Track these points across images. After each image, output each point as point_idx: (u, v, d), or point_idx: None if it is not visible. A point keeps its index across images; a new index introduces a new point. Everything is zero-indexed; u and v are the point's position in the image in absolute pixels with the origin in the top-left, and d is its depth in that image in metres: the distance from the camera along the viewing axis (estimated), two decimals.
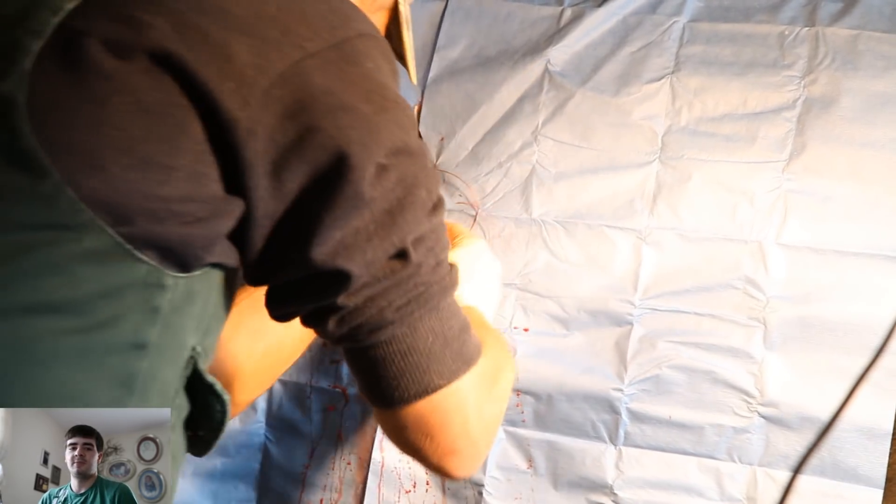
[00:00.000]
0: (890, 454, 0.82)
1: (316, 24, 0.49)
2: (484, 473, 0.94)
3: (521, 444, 0.93)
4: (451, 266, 0.57)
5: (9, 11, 0.46)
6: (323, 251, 0.50)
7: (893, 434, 0.82)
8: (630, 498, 0.89)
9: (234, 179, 0.48)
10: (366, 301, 0.53)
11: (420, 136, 0.57)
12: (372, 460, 0.96)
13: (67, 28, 0.44)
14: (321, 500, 1.00)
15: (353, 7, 0.53)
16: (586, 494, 0.91)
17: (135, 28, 0.44)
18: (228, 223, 0.49)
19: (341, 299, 0.52)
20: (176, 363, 0.53)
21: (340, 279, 0.51)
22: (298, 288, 0.53)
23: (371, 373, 0.56)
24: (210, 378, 0.56)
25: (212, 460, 1.02)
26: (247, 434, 1.02)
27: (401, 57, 0.71)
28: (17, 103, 0.43)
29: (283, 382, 1.01)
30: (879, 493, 0.81)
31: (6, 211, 0.44)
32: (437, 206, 0.55)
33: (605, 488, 0.90)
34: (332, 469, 1.00)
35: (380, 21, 0.69)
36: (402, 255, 0.52)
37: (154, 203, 0.46)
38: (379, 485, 0.97)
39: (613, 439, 0.90)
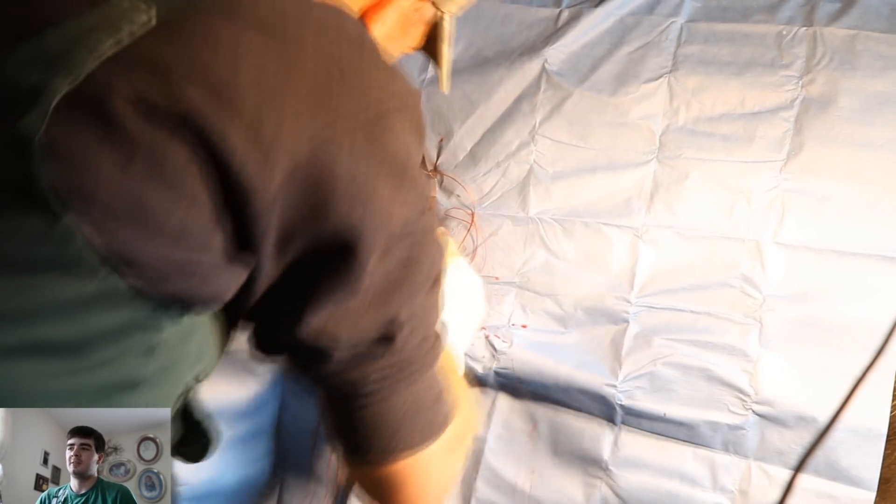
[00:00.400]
0: (887, 455, 0.82)
1: (354, 98, 0.48)
2: (488, 430, 0.95)
3: (526, 410, 0.94)
4: (436, 337, 0.58)
5: (51, 49, 0.45)
6: (309, 329, 0.50)
7: (891, 436, 0.82)
8: (623, 476, 0.90)
9: (245, 244, 0.48)
10: (344, 371, 0.54)
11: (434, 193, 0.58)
12: None
13: (101, 76, 0.43)
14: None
15: (393, 72, 0.51)
16: (583, 466, 0.92)
17: (169, 89, 0.43)
18: (234, 284, 0.49)
19: (320, 366, 0.53)
20: (169, 397, 0.54)
21: (321, 354, 0.52)
22: (282, 343, 0.54)
23: (340, 422, 0.57)
24: (199, 414, 0.57)
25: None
26: (263, 390, 1.02)
27: (437, 63, 0.72)
28: (35, 142, 0.43)
29: None
30: (872, 496, 0.81)
31: (15, 250, 0.44)
32: (437, 280, 0.56)
33: (600, 464, 0.90)
34: None
35: (420, 33, 0.69)
36: (387, 336, 0.53)
37: (164, 262, 0.46)
38: None
39: (613, 420, 0.90)
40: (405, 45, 0.70)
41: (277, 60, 0.46)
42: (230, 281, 0.49)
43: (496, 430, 0.95)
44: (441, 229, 0.95)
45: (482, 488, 0.96)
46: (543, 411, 0.94)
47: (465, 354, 0.94)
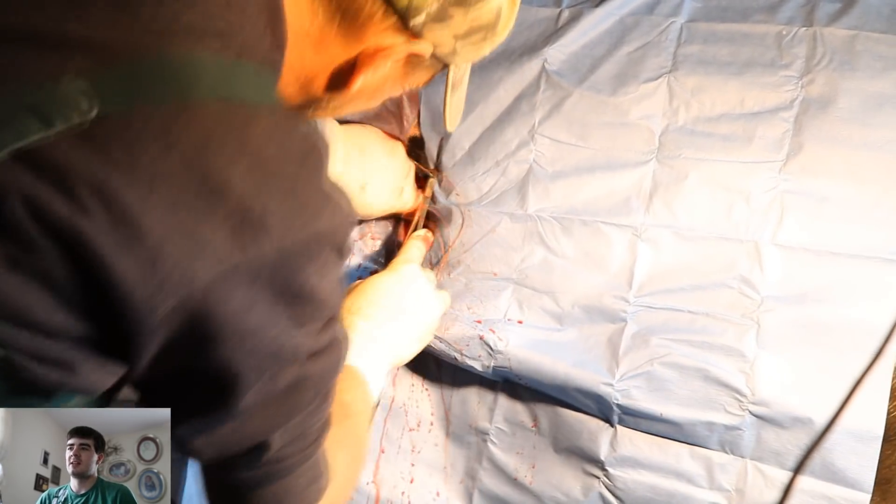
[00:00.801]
0: (888, 455, 0.82)
1: (266, 239, 0.48)
2: (490, 423, 0.96)
3: (528, 404, 0.95)
4: (321, 429, 0.60)
5: None
6: (175, 438, 0.53)
7: (890, 437, 0.82)
8: (620, 476, 0.90)
9: (123, 355, 0.49)
10: (211, 469, 0.57)
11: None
12: (382, 394, 0.98)
13: (8, 169, 0.44)
14: None
15: (327, 200, 0.51)
16: (581, 464, 0.92)
17: (69, 205, 0.44)
18: (107, 383, 0.50)
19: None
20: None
21: (189, 454, 0.55)
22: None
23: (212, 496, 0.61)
24: None
25: None
26: None
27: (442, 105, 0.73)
28: None
29: None
30: (867, 498, 0.81)
31: None
32: (327, 394, 0.58)
33: (597, 463, 0.91)
34: None
35: (426, 76, 0.69)
36: (260, 447, 0.55)
37: (37, 352, 0.47)
38: (385, 419, 0.98)
39: (610, 420, 0.90)
40: (408, 85, 0.70)
41: (195, 197, 0.46)
42: (103, 379, 0.50)
43: (498, 424, 0.96)
44: (425, 232, 0.95)
45: (485, 480, 0.97)
46: (544, 407, 0.94)
47: (458, 354, 0.94)
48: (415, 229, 0.97)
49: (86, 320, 0.47)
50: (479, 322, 0.93)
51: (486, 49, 0.67)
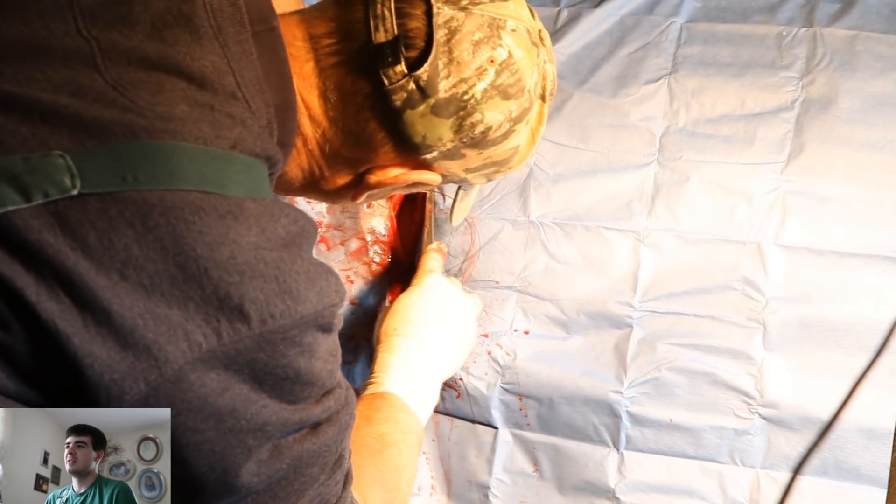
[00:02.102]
0: (892, 453, 0.82)
1: (250, 311, 0.48)
2: (490, 476, 0.94)
3: (528, 448, 0.93)
4: (339, 500, 0.59)
5: None
6: None
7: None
8: (633, 502, 0.89)
9: None
10: None
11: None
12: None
13: None
14: None
15: (310, 279, 0.51)
16: (590, 499, 0.91)
17: (36, 285, 0.44)
18: None
19: None
20: None
21: None
22: None
23: None
24: None
25: None
26: None
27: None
28: None
29: None
30: (883, 493, 0.80)
31: None
32: (338, 464, 0.58)
33: (608, 493, 0.90)
34: None
35: (435, 185, 0.70)
36: None
37: None
38: None
39: (616, 443, 0.89)
40: (416, 190, 0.73)
41: (170, 284, 0.46)
42: None
43: (498, 475, 0.94)
44: (438, 244, 0.95)
45: None
46: (544, 448, 0.92)
47: (464, 373, 0.93)
48: (429, 243, 0.96)
49: (45, 395, 0.47)
50: (486, 336, 0.93)
51: (499, 177, 0.68)
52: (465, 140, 0.61)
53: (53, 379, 0.46)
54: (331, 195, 0.70)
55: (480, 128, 0.61)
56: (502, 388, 0.92)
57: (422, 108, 0.59)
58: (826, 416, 0.82)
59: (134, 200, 0.46)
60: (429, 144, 0.61)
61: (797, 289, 0.86)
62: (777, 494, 0.84)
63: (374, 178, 0.64)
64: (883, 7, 0.89)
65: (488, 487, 0.95)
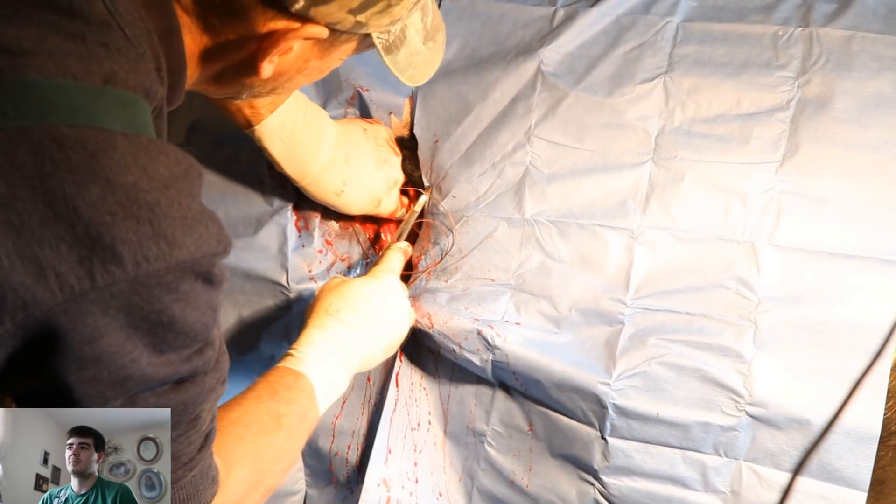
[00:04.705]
0: (881, 456, 0.82)
1: (124, 252, 0.47)
2: (487, 425, 0.96)
3: (524, 408, 0.95)
4: (190, 463, 0.58)
5: None
6: None
7: (886, 436, 0.82)
8: (614, 483, 0.90)
9: None
10: None
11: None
12: (387, 397, 0.98)
13: None
14: (348, 447, 1.03)
15: (188, 224, 0.50)
16: (577, 471, 0.93)
17: None
18: None
19: None
20: None
21: None
22: None
23: None
24: None
25: None
26: None
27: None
28: None
29: None
30: (863, 497, 0.81)
31: None
32: (195, 424, 0.57)
33: (591, 472, 0.91)
34: (362, 414, 1.03)
35: (350, 46, 0.67)
36: None
37: None
38: (391, 419, 0.99)
39: (602, 430, 0.90)
40: (340, 56, 0.69)
41: (39, 223, 0.46)
42: None
43: (494, 426, 0.96)
44: (406, 245, 0.96)
45: (483, 480, 0.98)
46: (539, 412, 0.94)
47: (457, 347, 0.95)
48: (398, 240, 0.98)
49: None
50: (477, 320, 0.94)
51: (401, 11, 0.64)
52: None
53: None
54: (238, 75, 0.67)
55: None
56: (494, 363, 0.93)
57: None
58: (813, 417, 0.83)
59: (0, 139, 0.46)
60: None
61: (790, 289, 0.86)
62: (758, 488, 0.85)
63: (266, 44, 0.62)
64: (879, 7, 0.88)
65: (484, 435, 0.97)
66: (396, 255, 0.94)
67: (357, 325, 0.84)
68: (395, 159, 1.00)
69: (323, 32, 0.62)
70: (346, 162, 0.94)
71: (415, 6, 0.66)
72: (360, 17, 0.62)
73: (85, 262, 0.46)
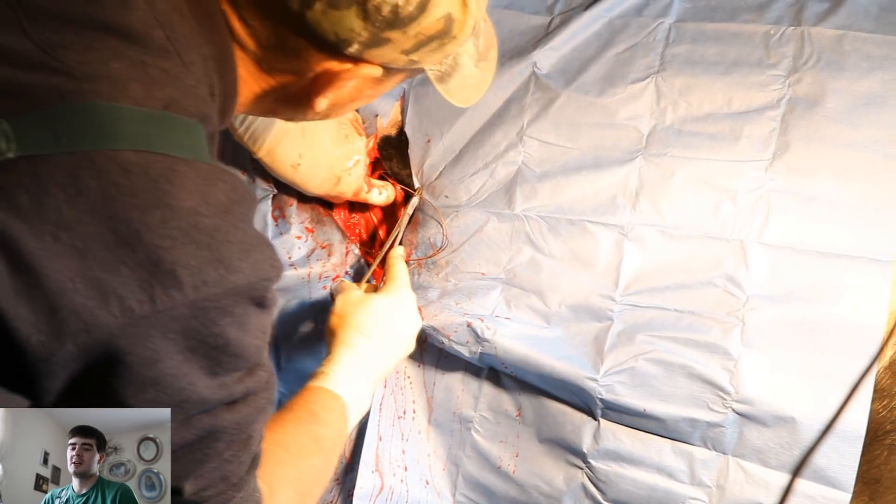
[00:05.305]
0: (876, 455, 0.82)
1: (184, 276, 0.48)
2: (474, 411, 0.98)
3: (513, 393, 0.97)
4: (239, 483, 0.59)
5: None
6: None
7: (879, 437, 0.82)
8: (602, 468, 0.92)
9: (27, 394, 0.50)
10: None
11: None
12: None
13: None
14: None
15: (245, 249, 0.51)
16: (565, 455, 0.94)
17: None
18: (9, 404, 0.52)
19: None
20: None
21: None
22: None
23: None
24: None
25: None
26: None
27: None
28: None
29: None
30: (847, 497, 0.81)
31: None
32: (245, 445, 0.58)
33: (580, 455, 0.93)
34: None
35: (400, 78, 0.69)
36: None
37: None
38: (380, 407, 1.00)
39: (593, 414, 0.91)
40: (388, 87, 0.70)
41: (102, 246, 0.46)
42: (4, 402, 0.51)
43: (482, 412, 0.98)
44: (403, 251, 0.97)
45: (468, 467, 0.99)
46: (528, 397, 0.96)
47: (446, 339, 0.96)
48: (392, 246, 0.98)
49: None
50: (467, 314, 0.95)
51: (453, 48, 0.65)
52: (378, 24, 0.58)
53: None
54: (292, 107, 0.69)
55: (386, 7, 0.57)
56: (483, 355, 0.94)
57: (318, 5, 0.57)
58: (800, 415, 0.83)
59: (65, 163, 0.47)
60: (345, 39, 0.59)
61: (778, 287, 0.86)
62: (744, 483, 0.86)
63: (320, 82, 0.63)
64: (871, 6, 0.88)
65: (471, 422, 0.98)
66: (401, 264, 0.94)
67: (381, 344, 0.86)
68: (358, 139, 0.99)
69: (377, 71, 0.63)
70: (302, 134, 0.93)
71: (468, 40, 0.66)
72: (414, 56, 0.63)
73: (146, 286, 0.47)
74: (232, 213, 0.51)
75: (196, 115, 0.54)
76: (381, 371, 0.87)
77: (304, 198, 1.03)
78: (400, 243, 1.00)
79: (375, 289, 0.93)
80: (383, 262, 0.98)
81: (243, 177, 1.02)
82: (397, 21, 0.58)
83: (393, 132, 1.03)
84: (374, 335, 0.85)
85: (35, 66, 0.48)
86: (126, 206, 0.47)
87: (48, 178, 0.46)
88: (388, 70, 0.64)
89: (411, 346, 0.92)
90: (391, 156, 1.03)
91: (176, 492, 0.56)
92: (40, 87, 0.48)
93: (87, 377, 0.49)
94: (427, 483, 1.01)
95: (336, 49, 0.60)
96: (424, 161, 1.00)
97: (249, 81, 0.64)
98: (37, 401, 0.51)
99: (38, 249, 0.46)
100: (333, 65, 0.62)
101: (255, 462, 0.61)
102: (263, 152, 0.93)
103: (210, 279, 0.49)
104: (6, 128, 0.46)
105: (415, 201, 1.00)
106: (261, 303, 0.54)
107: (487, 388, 0.98)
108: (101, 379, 0.49)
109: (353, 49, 0.60)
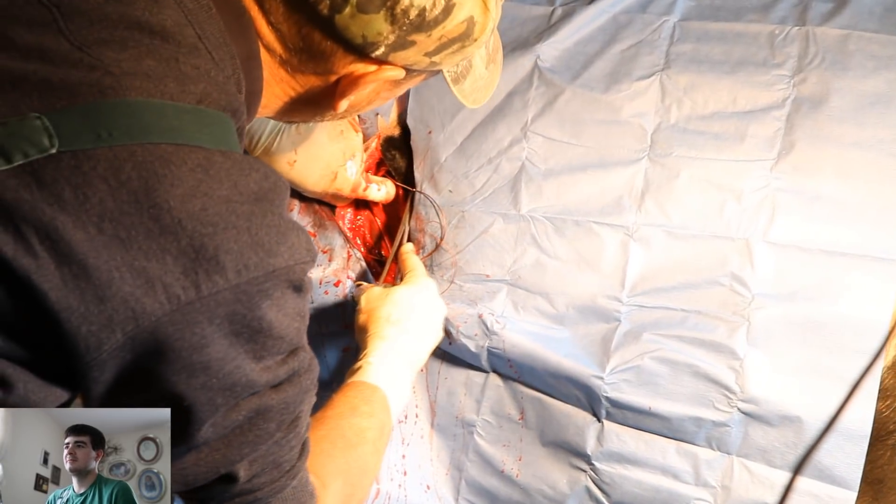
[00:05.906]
0: (880, 455, 0.82)
1: (226, 261, 0.49)
2: (477, 415, 0.97)
3: (516, 396, 0.96)
4: (293, 470, 0.60)
5: None
6: None
7: (883, 437, 0.82)
8: (606, 470, 0.91)
9: (71, 385, 0.51)
10: (184, 493, 0.58)
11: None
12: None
13: None
14: None
15: (282, 233, 0.52)
16: (568, 458, 0.94)
17: (14, 243, 0.46)
18: (49, 405, 0.52)
19: None
20: None
21: None
22: None
23: None
24: None
25: None
26: None
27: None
28: None
29: None
30: (853, 496, 0.81)
31: None
32: (295, 420, 0.58)
33: (584, 457, 0.92)
34: None
35: (419, 78, 0.70)
36: (229, 477, 0.56)
37: None
38: None
39: (597, 415, 0.91)
40: (406, 88, 0.72)
41: (146, 236, 0.47)
42: (45, 402, 0.52)
43: (485, 416, 0.97)
44: (412, 246, 0.97)
45: (471, 471, 0.98)
46: (531, 400, 0.95)
47: (454, 330, 0.95)
48: (401, 244, 0.98)
49: (27, 348, 0.49)
50: (478, 307, 0.95)
51: (472, 50, 0.67)
52: (405, 28, 0.60)
53: (37, 333, 0.48)
54: (313, 109, 0.71)
55: (414, 11, 0.59)
56: (490, 349, 0.94)
57: (348, 9, 0.59)
58: (805, 414, 0.83)
59: (106, 156, 0.47)
60: (372, 42, 0.61)
61: (784, 286, 0.86)
62: (749, 484, 0.86)
63: (344, 84, 0.65)
64: (875, 6, 0.88)
65: (474, 426, 0.98)
66: (415, 257, 0.96)
67: (415, 333, 0.87)
68: (354, 134, 0.99)
69: (400, 74, 0.65)
70: (297, 131, 0.94)
71: (486, 42, 0.68)
72: (436, 58, 0.65)
73: (190, 273, 0.48)
74: (266, 199, 0.53)
75: (227, 110, 0.55)
76: (416, 358, 0.87)
77: (305, 201, 1.02)
78: (408, 240, 0.99)
79: (393, 285, 0.93)
80: (395, 261, 0.98)
81: None
82: (423, 24, 0.61)
83: (396, 133, 1.03)
84: (405, 323, 0.86)
85: (72, 64, 0.49)
86: (168, 196, 0.48)
87: (91, 172, 0.47)
88: (410, 72, 0.66)
89: (440, 332, 0.92)
90: (394, 156, 1.03)
91: (231, 478, 0.57)
92: (78, 83, 0.49)
93: (137, 366, 0.49)
94: (428, 488, 1.00)
95: (362, 52, 0.62)
96: (426, 152, 1.00)
97: (273, 84, 0.65)
98: (85, 392, 0.51)
99: (84, 241, 0.46)
100: (358, 67, 0.64)
101: (304, 449, 0.62)
102: (260, 150, 0.93)
103: (251, 263, 0.50)
104: (47, 124, 0.47)
105: (415, 197, 1.00)
106: (298, 286, 0.55)
107: (490, 392, 0.97)
108: (151, 367, 0.50)
109: (379, 52, 0.62)
